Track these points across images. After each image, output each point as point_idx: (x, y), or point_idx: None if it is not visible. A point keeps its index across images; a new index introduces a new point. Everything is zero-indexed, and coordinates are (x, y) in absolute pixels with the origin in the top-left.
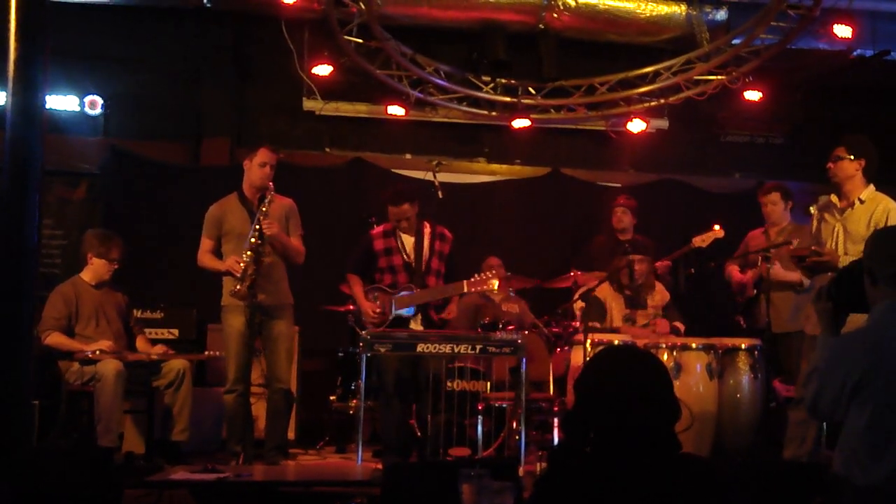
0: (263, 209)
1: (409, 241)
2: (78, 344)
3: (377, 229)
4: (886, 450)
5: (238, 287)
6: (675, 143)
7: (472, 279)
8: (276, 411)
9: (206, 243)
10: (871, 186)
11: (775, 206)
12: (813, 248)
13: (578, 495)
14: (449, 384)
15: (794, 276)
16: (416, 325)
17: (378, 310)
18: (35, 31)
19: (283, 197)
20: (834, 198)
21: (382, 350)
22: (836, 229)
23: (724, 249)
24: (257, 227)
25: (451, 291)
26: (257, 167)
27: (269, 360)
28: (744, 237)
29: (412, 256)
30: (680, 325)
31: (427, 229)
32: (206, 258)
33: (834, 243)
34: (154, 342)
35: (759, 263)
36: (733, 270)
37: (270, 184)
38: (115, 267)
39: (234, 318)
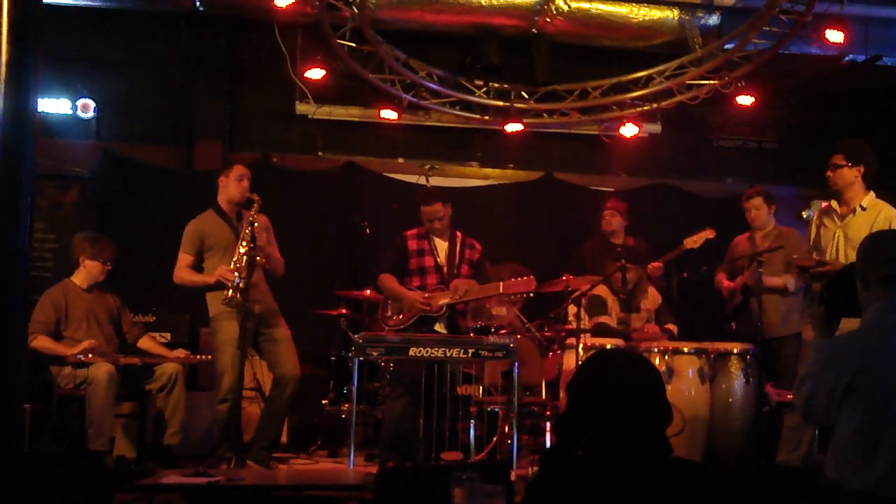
0: (252, 217)
1: (441, 245)
2: (62, 347)
3: (411, 231)
4: (878, 452)
5: (231, 294)
6: (667, 147)
7: (509, 281)
8: (278, 410)
9: (185, 259)
10: (872, 193)
11: (759, 210)
12: (817, 258)
13: (570, 499)
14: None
15: (780, 280)
16: (440, 328)
17: (428, 295)
18: (27, 34)
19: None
20: (835, 203)
21: (375, 354)
22: (836, 235)
23: (713, 256)
24: (249, 232)
25: (487, 292)
26: (235, 182)
27: (277, 361)
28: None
29: (444, 260)
30: (672, 327)
31: (458, 237)
32: (186, 273)
33: (834, 249)
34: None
35: (750, 268)
36: (722, 278)
37: (255, 196)
38: (109, 268)
39: (230, 324)
